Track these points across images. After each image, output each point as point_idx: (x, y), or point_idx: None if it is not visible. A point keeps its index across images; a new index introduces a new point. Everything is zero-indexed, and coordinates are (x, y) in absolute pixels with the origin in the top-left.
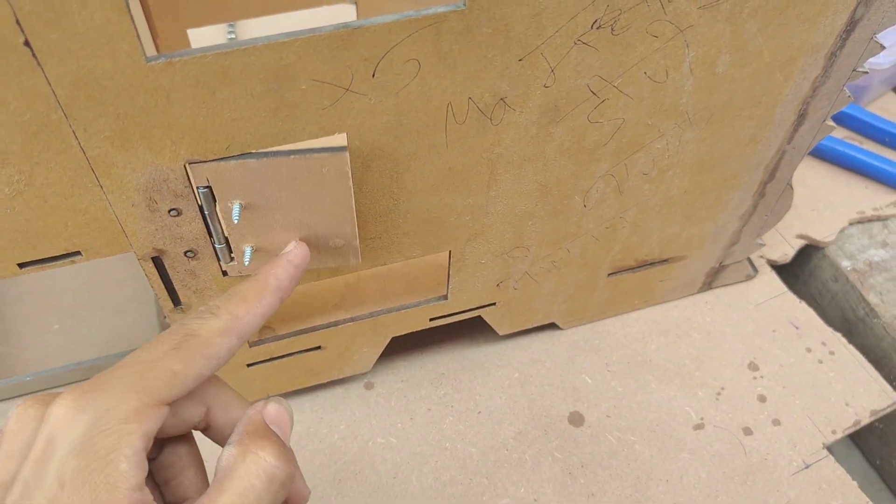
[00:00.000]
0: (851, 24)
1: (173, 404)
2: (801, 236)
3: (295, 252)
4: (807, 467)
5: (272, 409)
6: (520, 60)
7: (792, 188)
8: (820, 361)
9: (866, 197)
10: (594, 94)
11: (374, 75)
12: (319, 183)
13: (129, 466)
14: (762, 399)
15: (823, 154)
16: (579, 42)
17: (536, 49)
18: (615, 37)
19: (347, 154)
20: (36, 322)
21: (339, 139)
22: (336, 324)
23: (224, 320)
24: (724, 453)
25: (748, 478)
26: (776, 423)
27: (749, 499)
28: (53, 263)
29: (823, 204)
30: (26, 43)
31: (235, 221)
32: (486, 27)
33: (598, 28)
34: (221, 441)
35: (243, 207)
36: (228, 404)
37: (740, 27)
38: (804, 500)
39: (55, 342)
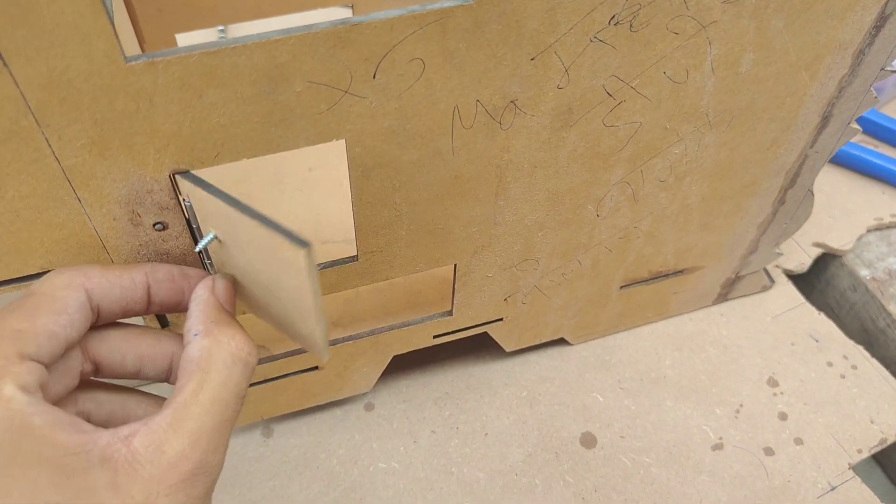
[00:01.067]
0: (881, 20)
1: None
2: (817, 244)
3: (195, 270)
4: (832, 489)
5: (221, 290)
6: (532, 59)
7: (813, 194)
8: (842, 376)
9: (884, 203)
10: (610, 95)
11: (374, 76)
12: (278, 265)
13: (43, 418)
14: (783, 417)
15: (838, 159)
16: (595, 39)
17: (550, 47)
18: (634, 34)
19: (306, 254)
20: None
21: (304, 244)
22: (334, 342)
23: (69, 275)
24: (745, 475)
25: (771, 501)
26: (798, 442)
27: None
28: (29, 284)
29: (840, 210)
30: None
31: (196, 250)
32: (495, 23)
33: (615, 24)
34: (122, 375)
35: (219, 240)
36: (106, 337)
37: (766, 23)
38: None
39: None
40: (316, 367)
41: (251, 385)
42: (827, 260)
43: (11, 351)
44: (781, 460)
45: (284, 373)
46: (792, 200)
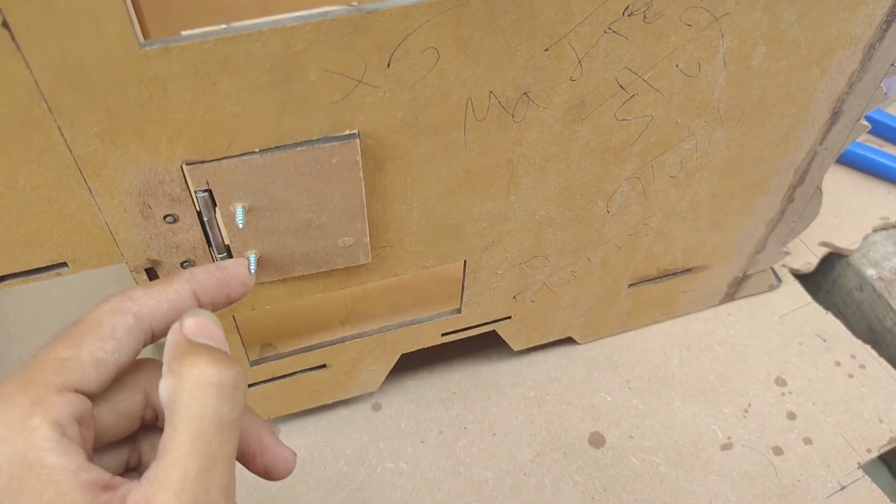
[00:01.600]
0: (892, 14)
1: (102, 397)
2: (823, 244)
3: (228, 260)
4: (842, 489)
5: (191, 324)
6: (546, 50)
7: (821, 192)
8: (850, 376)
9: (889, 202)
10: (623, 88)
11: (389, 65)
12: (328, 176)
13: (57, 457)
14: (792, 416)
15: (843, 158)
16: (609, 30)
17: (564, 38)
18: (647, 25)
19: (358, 141)
20: (22, 347)
21: (354, 135)
22: (342, 340)
23: (115, 301)
24: (754, 475)
25: (781, 501)
26: (807, 441)
27: None
28: (37, 276)
29: (845, 210)
30: (4, 24)
31: (240, 226)
32: (510, 13)
33: (629, 15)
34: None
35: (246, 210)
36: None
37: (778, 16)
38: None
39: None
40: (324, 366)
41: (258, 384)
42: (833, 260)
43: (53, 380)
44: (791, 460)
45: (292, 371)
46: (800, 198)
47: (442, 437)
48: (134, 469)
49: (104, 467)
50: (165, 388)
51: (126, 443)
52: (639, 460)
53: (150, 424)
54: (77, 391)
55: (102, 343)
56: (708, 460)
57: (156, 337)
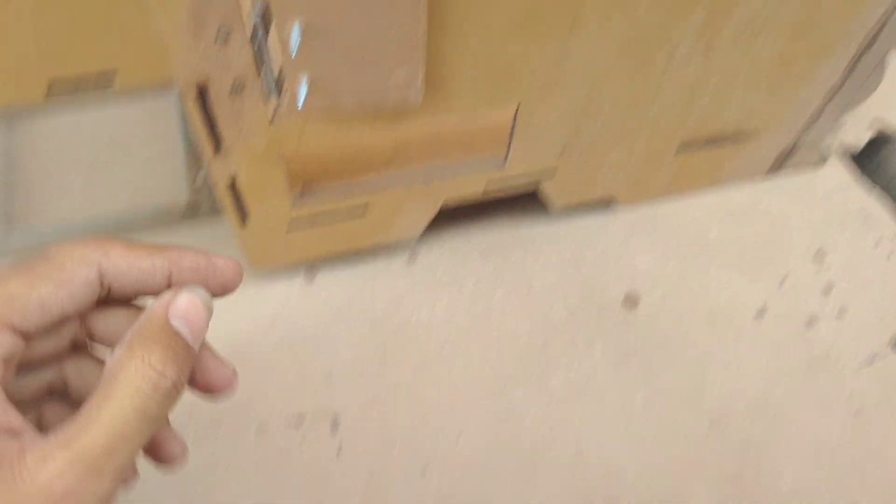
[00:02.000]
0: None
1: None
2: (873, 125)
3: (223, 258)
4: (872, 363)
5: (182, 302)
6: None
7: (885, 65)
8: (889, 256)
9: None
10: None
11: None
12: None
13: None
14: (827, 290)
15: None
16: None
17: None
18: None
19: None
20: (58, 175)
21: None
22: (386, 183)
23: (88, 248)
24: (786, 343)
25: (810, 370)
26: (841, 315)
27: (811, 391)
28: (85, 87)
29: None
30: None
31: (295, 44)
32: None
33: None
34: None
35: (303, 30)
36: (107, 314)
37: None
38: (868, 396)
39: (78, 195)
40: (365, 208)
41: (300, 223)
42: (880, 142)
43: None
44: (822, 332)
45: (334, 209)
46: (864, 68)
47: (479, 288)
48: (57, 394)
49: (26, 386)
50: (117, 357)
51: (51, 365)
52: (671, 323)
53: (81, 348)
54: (15, 330)
55: (56, 289)
56: (741, 327)
57: (112, 295)
